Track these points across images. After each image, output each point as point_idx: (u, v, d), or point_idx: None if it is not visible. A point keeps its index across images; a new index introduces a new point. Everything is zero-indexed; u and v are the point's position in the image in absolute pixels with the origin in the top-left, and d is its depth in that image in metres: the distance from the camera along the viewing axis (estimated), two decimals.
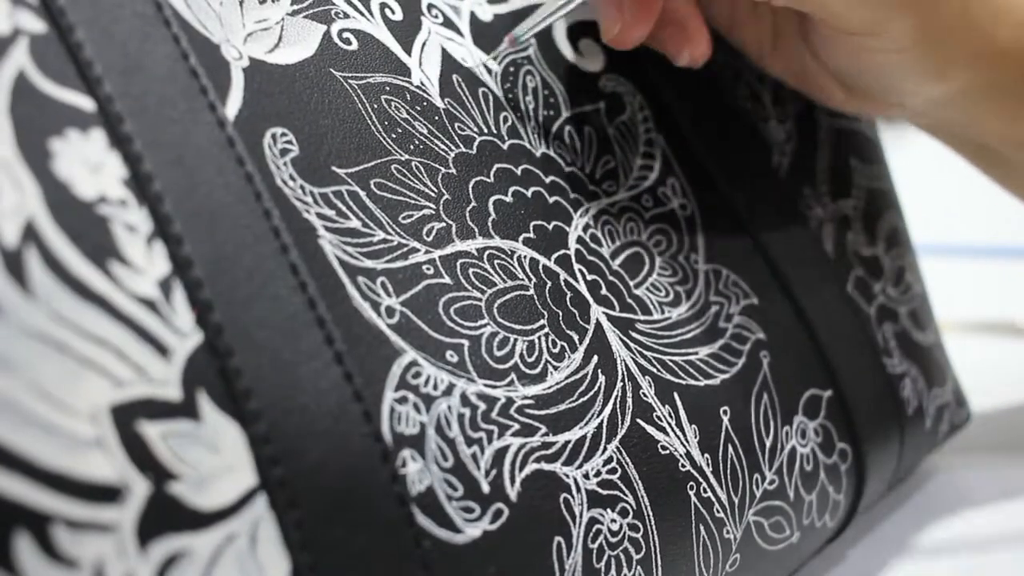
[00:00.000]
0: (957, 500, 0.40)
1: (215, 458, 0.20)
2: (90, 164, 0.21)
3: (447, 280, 0.26)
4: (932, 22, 0.31)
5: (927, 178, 0.57)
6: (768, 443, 0.31)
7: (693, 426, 0.29)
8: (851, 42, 0.32)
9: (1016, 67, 0.33)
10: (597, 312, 0.29)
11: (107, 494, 0.19)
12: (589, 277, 0.29)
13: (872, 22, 0.31)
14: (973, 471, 0.41)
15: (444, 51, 0.30)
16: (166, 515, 0.19)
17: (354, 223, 0.25)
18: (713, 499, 0.29)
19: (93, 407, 0.19)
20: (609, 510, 0.26)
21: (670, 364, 0.30)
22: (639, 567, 0.26)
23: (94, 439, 0.19)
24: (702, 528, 0.28)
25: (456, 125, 0.29)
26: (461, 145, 0.29)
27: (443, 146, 0.28)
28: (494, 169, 0.29)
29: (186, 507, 0.20)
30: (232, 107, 0.24)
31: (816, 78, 0.36)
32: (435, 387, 0.24)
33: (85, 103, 0.22)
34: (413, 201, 0.27)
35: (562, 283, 0.29)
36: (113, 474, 0.19)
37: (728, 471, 0.29)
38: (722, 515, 0.29)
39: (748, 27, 0.36)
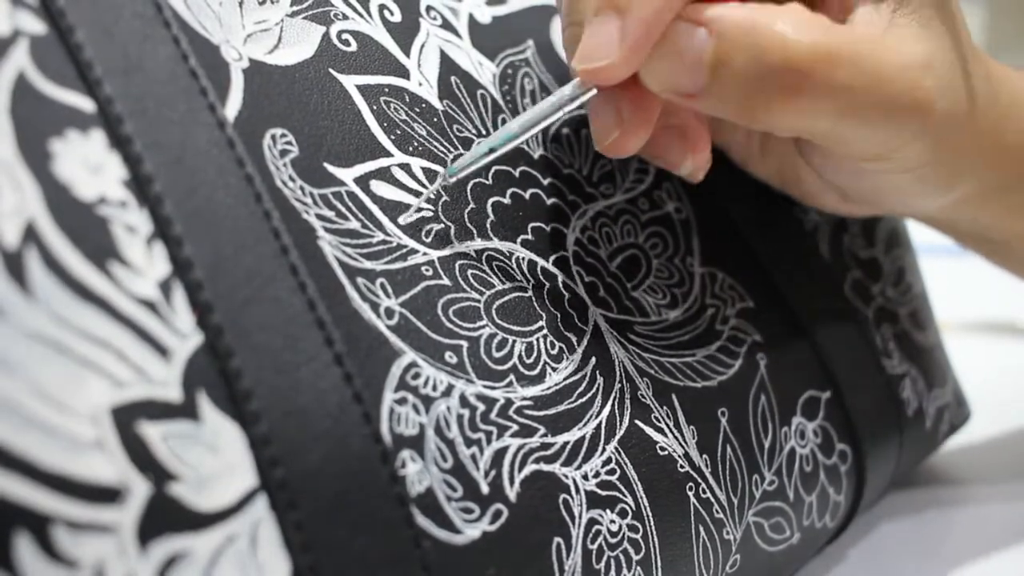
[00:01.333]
0: (956, 500, 0.40)
1: (215, 459, 0.20)
2: (90, 165, 0.21)
3: (446, 281, 0.26)
4: (943, 141, 0.28)
5: None
6: (767, 444, 0.31)
7: (691, 427, 0.29)
8: (856, 166, 0.30)
9: (1021, 163, 0.32)
10: (595, 314, 0.29)
11: (107, 495, 0.19)
12: (587, 279, 0.29)
13: (885, 150, 0.28)
14: (973, 471, 0.42)
15: (443, 53, 0.30)
16: (166, 516, 0.19)
17: (353, 224, 0.25)
18: (712, 500, 0.29)
19: (93, 408, 0.19)
20: (608, 511, 0.26)
21: (667, 366, 0.30)
22: (639, 568, 0.26)
23: (94, 440, 0.19)
24: (702, 529, 0.28)
25: (455, 127, 0.29)
26: (460, 147, 0.29)
27: (442, 148, 0.28)
28: (492, 171, 0.29)
29: (186, 508, 0.20)
30: (232, 108, 0.24)
31: (809, 186, 0.34)
32: (434, 388, 0.24)
33: (85, 104, 0.22)
34: (412, 203, 0.27)
35: (560, 285, 0.29)
36: (113, 475, 0.19)
37: (727, 472, 0.29)
38: (721, 516, 0.29)
39: (736, 131, 0.35)
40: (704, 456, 0.29)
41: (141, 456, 0.19)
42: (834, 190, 0.34)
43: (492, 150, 0.27)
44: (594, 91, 0.27)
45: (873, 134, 0.27)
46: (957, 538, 0.37)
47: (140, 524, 0.19)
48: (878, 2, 0.28)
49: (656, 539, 0.27)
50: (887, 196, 0.33)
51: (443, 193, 0.28)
